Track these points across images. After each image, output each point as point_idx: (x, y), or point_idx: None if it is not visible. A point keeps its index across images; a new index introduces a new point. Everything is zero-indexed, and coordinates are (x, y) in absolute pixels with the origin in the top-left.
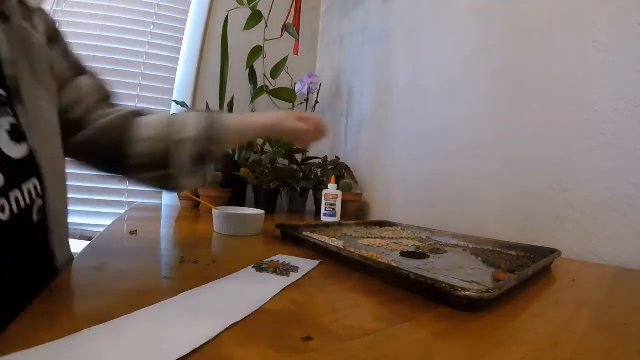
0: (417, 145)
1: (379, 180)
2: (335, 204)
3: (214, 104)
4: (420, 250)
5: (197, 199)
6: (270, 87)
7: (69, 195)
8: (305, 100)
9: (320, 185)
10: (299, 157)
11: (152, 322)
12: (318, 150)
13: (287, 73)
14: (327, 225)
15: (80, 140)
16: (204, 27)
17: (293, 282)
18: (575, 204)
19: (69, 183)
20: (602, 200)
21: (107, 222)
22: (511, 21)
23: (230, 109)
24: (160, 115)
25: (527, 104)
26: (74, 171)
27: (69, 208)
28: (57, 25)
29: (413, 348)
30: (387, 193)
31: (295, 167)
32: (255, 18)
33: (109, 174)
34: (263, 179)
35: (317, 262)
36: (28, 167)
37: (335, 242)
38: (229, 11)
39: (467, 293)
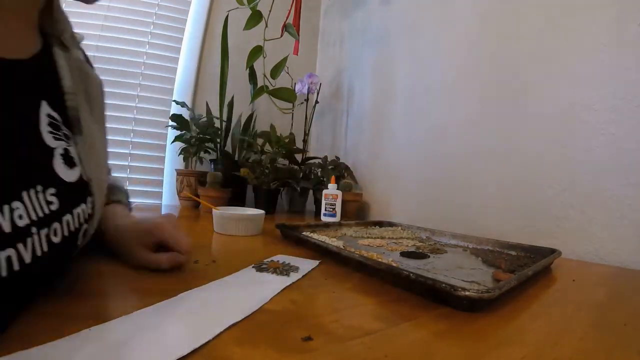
0: (417, 145)
1: (379, 180)
2: (335, 204)
3: (214, 104)
4: (420, 250)
5: (197, 199)
6: (270, 87)
7: None
8: (305, 100)
9: (320, 185)
10: (299, 157)
11: (152, 322)
12: (318, 150)
13: (287, 73)
14: (327, 225)
15: None
16: (204, 27)
17: (293, 282)
18: (575, 204)
19: None
20: (602, 200)
21: None
22: (511, 21)
23: (230, 109)
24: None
25: (527, 104)
26: None
27: None
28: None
29: (413, 348)
30: (387, 193)
31: (295, 167)
32: (255, 18)
33: None
34: (263, 179)
35: (317, 262)
36: (79, 192)
37: (335, 242)
38: (229, 11)
39: (467, 293)
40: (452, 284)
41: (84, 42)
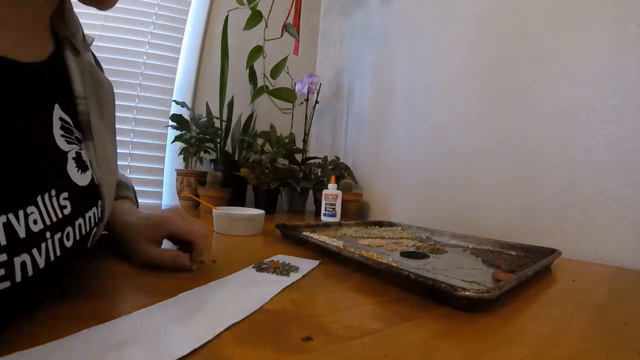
0: (417, 145)
1: (379, 180)
2: (335, 204)
3: (214, 104)
4: (420, 250)
5: (197, 199)
6: (270, 87)
7: None
8: (305, 100)
9: (320, 185)
10: (299, 157)
11: (152, 322)
12: (318, 150)
13: (287, 73)
14: (327, 225)
15: None
16: (204, 27)
17: (293, 282)
18: (575, 204)
19: None
20: (602, 200)
21: None
22: (511, 21)
23: (230, 109)
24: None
25: (527, 104)
26: None
27: None
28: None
29: (413, 348)
30: (387, 193)
31: (295, 167)
32: (255, 18)
33: None
34: (263, 179)
35: (317, 262)
36: (91, 196)
37: (335, 242)
38: (229, 11)
39: (467, 293)
40: (452, 284)
41: None
